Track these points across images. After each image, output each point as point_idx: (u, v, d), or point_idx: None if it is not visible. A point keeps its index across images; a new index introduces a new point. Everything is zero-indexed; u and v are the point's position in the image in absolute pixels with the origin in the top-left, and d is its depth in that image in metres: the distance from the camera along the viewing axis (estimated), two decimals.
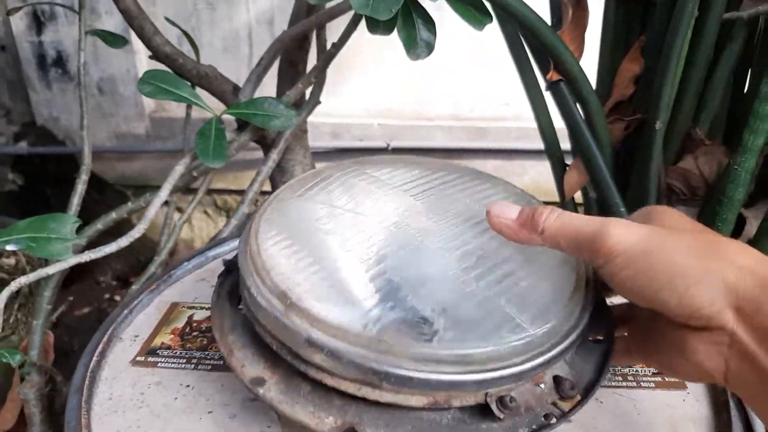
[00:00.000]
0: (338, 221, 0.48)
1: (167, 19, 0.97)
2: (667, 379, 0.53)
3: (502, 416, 0.40)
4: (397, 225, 0.48)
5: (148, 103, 1.78)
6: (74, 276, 1.48)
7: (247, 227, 0.48)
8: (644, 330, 0.44)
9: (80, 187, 0.81)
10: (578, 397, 0.43)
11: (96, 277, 1.78)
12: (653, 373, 0.53)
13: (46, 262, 0.77)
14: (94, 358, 0.53)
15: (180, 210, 0.95)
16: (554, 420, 0.41)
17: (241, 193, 1.78)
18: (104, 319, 0.58)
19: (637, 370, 0.53)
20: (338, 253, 0.44)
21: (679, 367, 0.40)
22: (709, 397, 0.51)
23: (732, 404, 0.50)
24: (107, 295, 1.72)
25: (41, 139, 1.81)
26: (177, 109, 1.79)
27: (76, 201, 0.80)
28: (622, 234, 0.38)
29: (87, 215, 0.71)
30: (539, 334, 0.40)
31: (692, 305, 0.36)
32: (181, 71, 0.87)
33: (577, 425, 0.48)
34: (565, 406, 0.42)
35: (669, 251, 0.37)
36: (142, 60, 1.70)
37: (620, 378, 0.53)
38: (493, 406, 0.40)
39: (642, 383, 0.52)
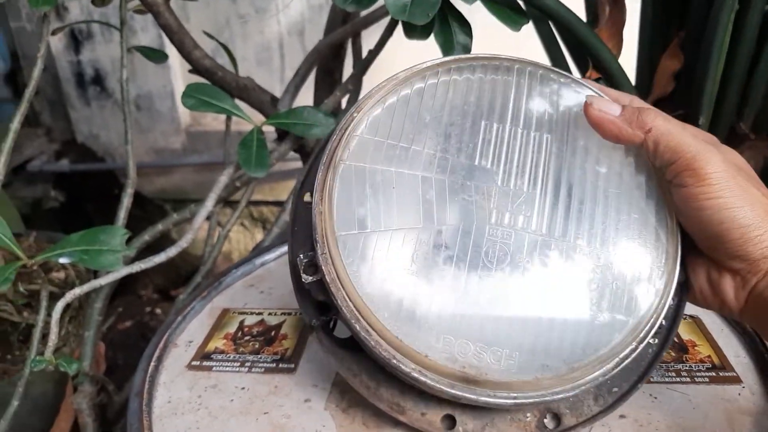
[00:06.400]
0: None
1: (206, 33, 0.99)
2: (722, 374, 0.52)
3: None
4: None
5: (185, 118, 1.81)
6: (116, 291, 1.51)
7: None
8: None
9: (126, 200, 0.83)
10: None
11: (137, 292, 1.81)
12: (707, 369, 0.53)
13: (95, 276, 0.79)
14: (152, 363, 0.54)
15: (220, 224, 0.96)
16: None
17: (277, 204, 1.80)
18: (147, 333, 0.60)
19: (690, 366, 0.53)
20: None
21: (701, 295, 0.45)
22: (766, 391, 0.50)
23: None
24: (148, 309, 1.75)
25: (82, 156, 1.85)
26: (213, 123, 1.82)
27: (122, 214, 0.82)
28: (723, 166, 0.40)
29: (128, 229, 0.72)
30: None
31: (751, 250, 0.40)
32: (220, 84, 0.89)
33: (632, 421, 0.47)
34: None
35: (752, 199, 0.40)
36: (178, 76, 1.73)
37: (674, 374, 0.52)
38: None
39: (696, 378, 0.51)
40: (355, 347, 0.46)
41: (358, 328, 0.41)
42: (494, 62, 0.48)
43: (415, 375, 0.41)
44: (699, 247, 0.44)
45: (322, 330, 0.46)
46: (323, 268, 0.42)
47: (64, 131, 1.87)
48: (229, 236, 1.90)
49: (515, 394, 0.41)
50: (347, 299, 0.42)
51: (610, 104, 0.44)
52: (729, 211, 0.40)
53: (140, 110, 1.77)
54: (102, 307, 0.83)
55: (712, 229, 0.41)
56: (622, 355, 0.43)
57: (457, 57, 0.48)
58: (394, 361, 0.41)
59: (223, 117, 0.93)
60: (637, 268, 0.44)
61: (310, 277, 0.44)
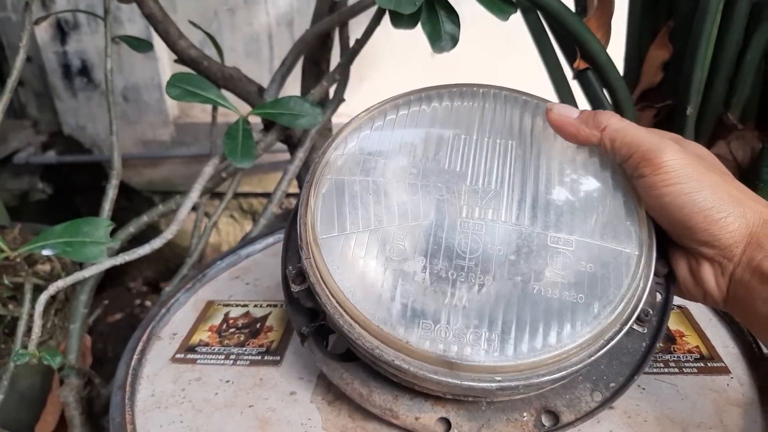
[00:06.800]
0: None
1: (191, 22, 0.98)
2: (710, 364, 0.52)
3: None
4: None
5: (172, 110, 1.80)
6: (105, 283, 1.50)
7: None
8: None
9: (111, 191, 0.82)
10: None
11: (126, 284, 1.80)
12: (695, 359, 0.52)
13: (81, 268, 0.78)
14: (135, 356, 0.53)
15: (207, 215, 0.96)
16: None
17: (266, 195, 1.80)
18: (136, 326, 0.59)
19: (678, 357, 0.53)
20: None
21: (685, 286, 0.46)
22: (754, 381, 0.50)
23: None
24: (138, 301, 1.74)
25: (68, 148, 1.83)
26: (201, 115, 1.81)
27: (107, 206, 0.81)
28: (679, 154, 0.41)
29: (116, 221, 0.72)
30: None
31: (718, 234, 0.41)
32: (206, 74, 0.88)
33: (620, 412, 0.47)
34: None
35: (711, 183, 0.41)
36: (165, 67, 1.72)
37: (662, 364, 0.52)
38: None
39: (684, 369, 0.51)
40: (345, 358, 0.47)
41: (341, 323, 0.43)
42: (462, 89, 0.51)
43: (398, 363, 0.42)
44: (672, 237, 0.45)
45: (313, 339, 0.48)
46: (308, 271, 0.45)
47: (50, 123, 1.85)
48: (219, 228, 1.89)
49: (499, 377, 0.41)
50: (330, 296, 0.44)
51: (568, 109, 0.46)
52: (688, 195, 0.41)
53: (128, 102, 1.75)
54: (87, 299, 0.82)
55: (675, 215, 0.42)
56: (606, 338, 0.43)
57: (424, 87, 0.52)
58: (378, 351, 0.42)
59: (211, 109, 0.92)
60: (610, 254, 0.44)
61: (298, 287, 0.47)
